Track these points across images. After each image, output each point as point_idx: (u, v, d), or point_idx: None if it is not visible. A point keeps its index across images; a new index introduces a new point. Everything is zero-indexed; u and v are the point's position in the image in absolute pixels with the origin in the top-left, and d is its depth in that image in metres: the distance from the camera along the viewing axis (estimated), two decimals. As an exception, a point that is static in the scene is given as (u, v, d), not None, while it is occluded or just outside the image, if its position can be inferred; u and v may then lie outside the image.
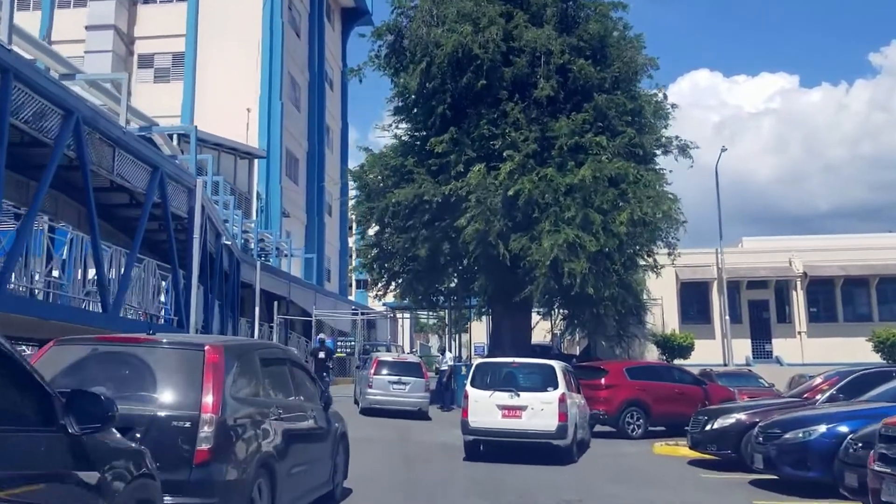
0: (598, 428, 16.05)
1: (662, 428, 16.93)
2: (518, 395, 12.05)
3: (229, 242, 19.41)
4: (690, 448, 12.44)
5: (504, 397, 12.07)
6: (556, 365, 12.66)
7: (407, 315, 46.13)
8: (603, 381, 16.63)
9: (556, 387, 12.16)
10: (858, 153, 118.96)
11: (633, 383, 16.70)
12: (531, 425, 11.87)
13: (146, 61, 36.06)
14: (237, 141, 31.39)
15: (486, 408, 12.06)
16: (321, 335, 20.94)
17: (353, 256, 43.44)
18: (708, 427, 11.85)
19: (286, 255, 33.01)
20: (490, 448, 12.63)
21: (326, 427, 7.59)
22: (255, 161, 34.08)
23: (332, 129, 46.96)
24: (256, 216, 33.77)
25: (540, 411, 11.89)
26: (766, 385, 22.67)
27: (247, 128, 33.73)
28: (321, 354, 20.64)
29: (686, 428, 16.48)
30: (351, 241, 46.32)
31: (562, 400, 11.97)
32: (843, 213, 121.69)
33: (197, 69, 35.32)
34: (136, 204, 15.75)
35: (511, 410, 11.97)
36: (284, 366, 6.87)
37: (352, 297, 52.65)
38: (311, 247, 39.92)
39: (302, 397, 6.99)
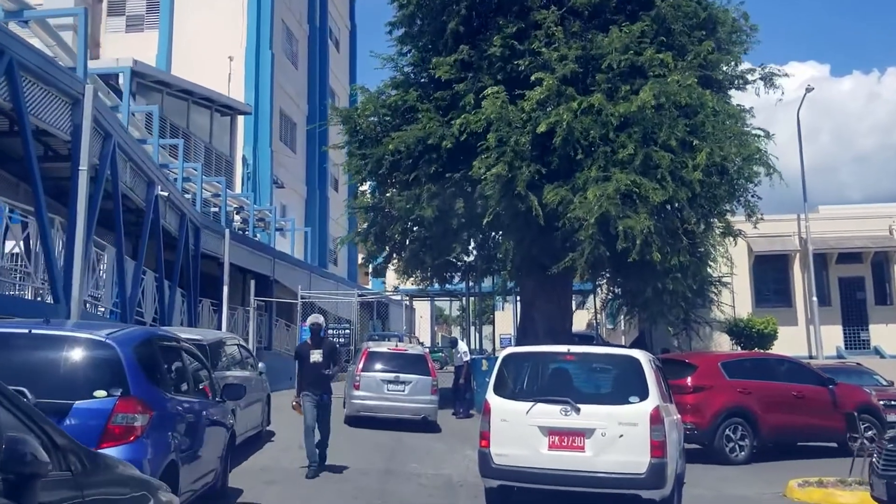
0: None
1: (769, 444, 11.88)
2: (577, 411, 6.81)
3: (166, 193, 14.36)
4: (881, 501, 7.11)
5: (552, 413, 6.86)
6: (642, 357, 7.34)
7: (424, 298, 40.94)
8: (690, 380, 11.34)
9: (644, 395, 6.90)
10: (890, 142, 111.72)
11: (732, 384, 11.44)
12: (602, 464, 6.65)
13: (117, 7, 31.05)
14: (214, 90, 26.32)
15: (520, 432, 6.86)
16: (314, 316, 10.72)
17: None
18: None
19: (273, 229, 27.79)
20: (528, 497, 7.45)
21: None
22: (239, 119, 29.02)
23: (339, 95, 41.69)
24: (242, 184, 28.74)
25: (618, 439, 6.66)
26: (885, 383, 17.27)
27: (229, 79, 28.58)
28: (315, 356, 9.75)
29: (834, 445, 11.50)
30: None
31: (656, 419, 6.71)
32: (875, 203, 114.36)
33: (175, 15, 30.32)
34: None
35: (566, 437, 6.76)
36: None
37: (368, 286, 47.39)
38: (311, 224, 34.82)
39: None
